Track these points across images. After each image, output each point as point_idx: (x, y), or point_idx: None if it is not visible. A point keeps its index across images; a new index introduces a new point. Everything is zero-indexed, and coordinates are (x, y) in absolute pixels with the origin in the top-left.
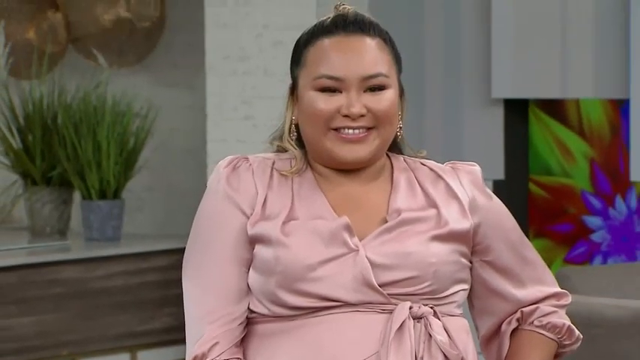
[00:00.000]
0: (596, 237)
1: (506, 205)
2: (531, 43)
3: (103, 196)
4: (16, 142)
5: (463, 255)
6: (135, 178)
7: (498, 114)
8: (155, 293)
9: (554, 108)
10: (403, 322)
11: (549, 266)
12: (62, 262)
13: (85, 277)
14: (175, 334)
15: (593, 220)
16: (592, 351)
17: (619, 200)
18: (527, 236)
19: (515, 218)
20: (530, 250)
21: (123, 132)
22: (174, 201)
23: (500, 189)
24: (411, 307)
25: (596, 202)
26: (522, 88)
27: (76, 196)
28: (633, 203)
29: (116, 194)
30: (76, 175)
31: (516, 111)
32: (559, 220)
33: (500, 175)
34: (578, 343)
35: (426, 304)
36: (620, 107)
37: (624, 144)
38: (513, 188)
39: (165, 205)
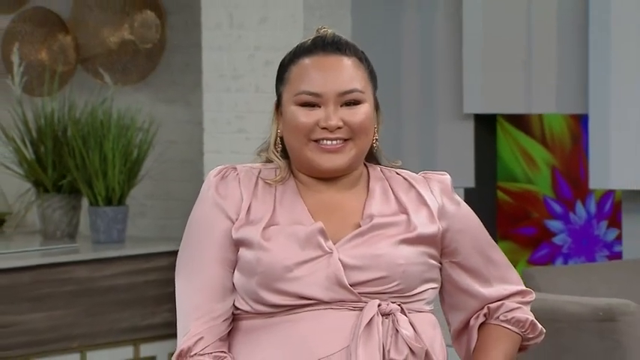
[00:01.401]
0: (557, 240)
1: (475, 211)
2: (499, 64)
3: (108, 202)
4: (29, 153)
5: (431, 257)
6: (138, 186)
7: (469, 128)
8: (156, 291)
9: (520, 120)
10: (372, 318)
11: (514, 267)
12: (71, 263)
13: (93, 276)
14: (174, 329)
15: (555, 224)
16: (556, 344)
17: (579, 205)
18: (495, 239)
19: (484, 222)
20: (496, 251)
21: (127, 144)
22: (173, 207)
23: (471, 196)
24: (379, 305)
25: (557, 207)
26: (491, 105)
27: (84, 202)
28: (592, 208)
29: (121, 201)
30: (84, 183)
31: (485, 125)
32: (523, 223)
33: (471, 183)
34: (542, 337)
35: (395, 302)
36: (581, 118)
37: (584, 152)
38: (482, 195)
39: (165, 211)
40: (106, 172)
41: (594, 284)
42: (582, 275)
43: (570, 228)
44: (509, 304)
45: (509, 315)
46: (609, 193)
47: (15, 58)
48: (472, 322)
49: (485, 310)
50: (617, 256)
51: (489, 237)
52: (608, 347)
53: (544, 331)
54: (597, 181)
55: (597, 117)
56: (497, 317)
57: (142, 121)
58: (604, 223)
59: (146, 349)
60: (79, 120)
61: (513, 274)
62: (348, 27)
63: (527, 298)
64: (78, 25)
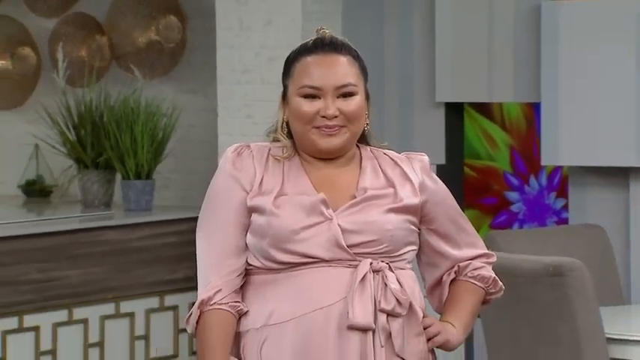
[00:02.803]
0: (514, 208)
1: (446, 184)
2: (465, 60)
3: (138, 176)
4: (71, 135)
5: (413, 224)
6: (163, 162)
7: (440, 114)
8: (178, 251)
9: (483, 107)
10: (365, 274)
11: (478, 231)
12: (106, 228)
13: (124, 238)
14: (193, 282)
15: (512, 195)
16: (514, 295)
17: (533, 179)
18: (462, 207)
19: (453, 193)
20: (465, 221)
21: (153, 127)
22: (192, 180)
23: (442, 171)
24: (371, 263)
25: (514, 181)
26: (459, 95)
27: (118, 176)
28: (543, 181)
29: (148, 175)
30: (117, 160)
31: (454, 112)
32: (486, 194)
33: (442, 160)
34: (502, 292)
35: (383, 261)
36: (534, 107)
37: (537, 134)
38: (452, 170)
39: (186, 184)
40: (136, 151)
41: (545, 245)
42: (535, 238)
43: (525, 198)
44: (476, 263)
45: (476, 272)
46: (558, 169)
47: (59, 56)
48: (445, 278)
49: (455, 269)
50: (564, 221)
51: (460, 209)
52: (557, 297)
53: (503, 287)
54: (548, 159)
55: (548, 104)
56: (466, 274)
57: (166, 109)
58: (553, 194)
59: (170, 300)
60: (113, 107)
61: (479, 240)
62: (339, 28)
63: (491, 260)
64: (112, 27)
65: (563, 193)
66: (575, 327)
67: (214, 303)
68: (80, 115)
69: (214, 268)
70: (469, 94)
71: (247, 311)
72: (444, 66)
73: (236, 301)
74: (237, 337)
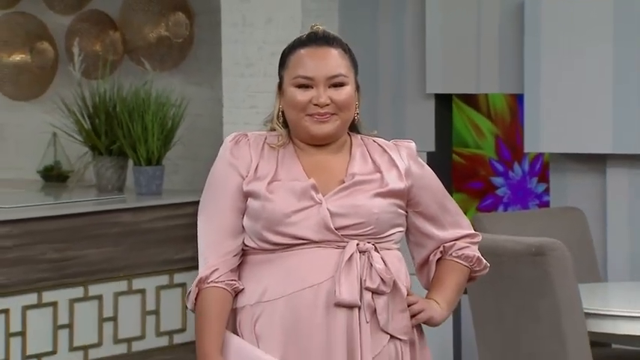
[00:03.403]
0: (500, 192)
1: (434, 170)
2: (454, 55)
3: (149, 162)
4: (86, 124)
5: (399, 207)
6: (172, 149)
7: (430, 105)
8: (186, 232)
9: (470, 99)
10: (352, 255)
11: (466, 213)
12: (119, 210)
13: (136, 220)
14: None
15: (497, 180)
16: (498, 273)
17: (516, 165)
18: (450, 192)
19: (442, 179)
20: (451, 202)
21: (163, 117)
22: (199, 166)
23: (432, 158)
24: (358, 244)
25: (499, 167)
26: (447, 86)
27: (130, 162)
28: (526, 167)
29: (158, 161)
30: (129, 147)
31: (443, 102)
32: (473, 179)
33: (432, 147)
34: (486, 270)
35: (370, 242)
36: (518, 98)
37: (520, 124)
38: (441, 157)
39: (193, 169)
40: (147, 139)
41: (528, 227)
42: (519, 220)
43: (509, 183)
44: (460, 243)
45: (460, 252)
46: (539, 156)
47: (75, 50)
48: (431, 257)
49: (441, 249)
50: (546, 204)
51: (446, 192)
52: (539, 275)
53: (488, 265)
54: (531, 146)
55: (531, 95)
56: (451, 254)
57: (175, 99)
58: (535, 179)
59: (178, 277)
60: (125, 98)
61: (464, 220)
62: (336, 25)
63: (475, 239)
64: (125, 23)
65: (544, 178)
66: (556, 302)
67: (211, 281)
68: (95, 105)
69: (212, 249)
70: (457, 86)
71: (243, 289)
72: (433, 60)
73: (232, 280)
74: (234, 313)
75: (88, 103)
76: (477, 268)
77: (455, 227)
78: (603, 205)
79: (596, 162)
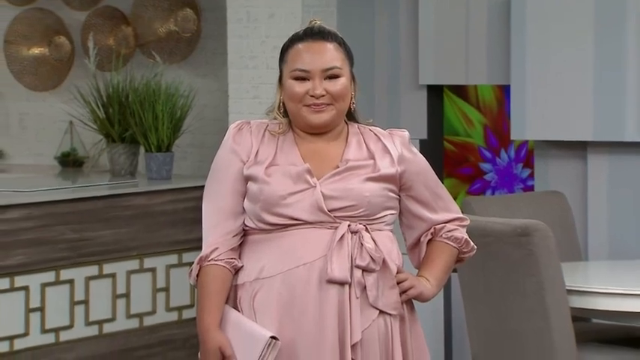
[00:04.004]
0: (488, 177)
1: (427, 156)
2: (445, 48)
3: (159, 149)
4: (101, 114)
5: (391, 191)
6: (180, 137)
7: (423, 95)
8: (193, 214)
9: (461, 91)
10: (343, 235)
11: (456, 197)
12: (132, 194)
13: (148, 203)
14: None
15: (485, 166)
16: (486, 253)
17: (503, 152)
18: (442, 177)
19: (434, 165)
20: (441, 188)
21: (172, 107)
22: (206, 153)
23: (425, 145)
24: (349, 225)
25: (487, 154)
26: (439, 78)
27: (141, 149)
28: (512, 154)
29: (168, 148)
30: (141, 135)
31: (435, 93)
32: (463, 165)
33: (425, 135)
34: (474, 252)
35: (361, 223)
36: (504, 90)
37: (507, 114)
38: (433, 144)
39: (200, 156)
40: (157, 127)
41: (514, 209)
42: (505, 203)
43: (497, 168)
44: (450, 226)
45: (450, 234)
46: (524, 143)
47: (90, 44)
48: (422, 239)
49: (432, 230)
50: (530, 188)
51: (437, 178)
52: (524, 255)
53: (475, 247)
54: (517, 134)
55: (517, 87)
56: (441, 235)
57: (184, 90)
58: (520, 165)
59: (187, 257)
60: (137, 89)
61: (454, 205)
62: (334, 21)
63: (464, 223)
64: (136, 19)
65: (528, 164)
66: (540, 280)
67: (211, 259)
68: (108, 95)
69: (214, 229)
70: (448, 78)
71: (242, 266)
72: (426, 53)
73: (231, 258)
74: (235, 289)
75: (103, 93)
76: (465, 250)
77: (445, 211)
78: (584, 189)
79: (578, 149)
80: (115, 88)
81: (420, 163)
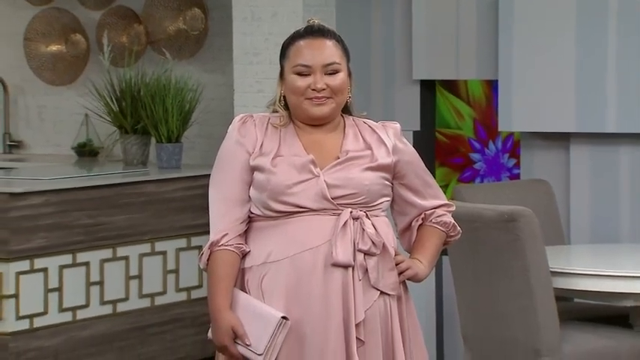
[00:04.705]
0: (477, 166)
1: (420, 146)
2: (437, 45)
3: (169, 140)
4: (114, 107)
5: (386, 179)
6: (189, 129)
7: (416, 89)
8: (201, 201)
9: (452, 88)
10: (346, 221)
11: (448, 184)
12: (144, 182)
13: (159, 191)
14: None
15: (475, 156)
16: (474, 237)
17: (491, 144)
18: (434, 165)
19: (426, 155)
20: (429, 176)
21: (181, 100)
22: (213, 144)
23: (418, 136)
24: (351, 212)
25: (477, 145)
26: (431, 73)
27: (153, 140)
28: (499, 146)
29: (177, 139)
30: (152, 127)
31: (428, 87)
32: (454, 155)
33: (418, 127)
34: (459, 236)
35: (362, 210)
36: (492, 86)
37: (495, 108)
38: (425, 135)
39: (208, 146)
40: (167, 119)
41: (501, 196)
42: (493, 190)
43: (485, 158)
44: (439, 212)
45: (439, 219)
46: (510, 135)
47: (104, 41)
48: (413, 223)
49: (422, 216)
50: (516, 177)
51: (426, 168)
52: (510, 239)
53: (461, 231)
54: (504, 125)
55: (504, 81)
56: (430, 220)
57: (192, 85)
58: (507, 155)
59: (195, 241)
60: (148, 84)
61: (441, 192)
62: (334, 19)
63: (451, 209)
64: (148, 18)
65: (514, 154)
66: (525, 263)
67: (222, 244)
68: (122, 90)
69: (223, 217)
70: (440, 73)
71: (249, 251)
72: (419, 50)
73: (239, 243)
74: (242, 272)
75: (116, 88)
76: (452, 233)
77: (434, 197)
78: (567, 178)
79: (561, 139)
80: (127, 82)
81: (411, 153)
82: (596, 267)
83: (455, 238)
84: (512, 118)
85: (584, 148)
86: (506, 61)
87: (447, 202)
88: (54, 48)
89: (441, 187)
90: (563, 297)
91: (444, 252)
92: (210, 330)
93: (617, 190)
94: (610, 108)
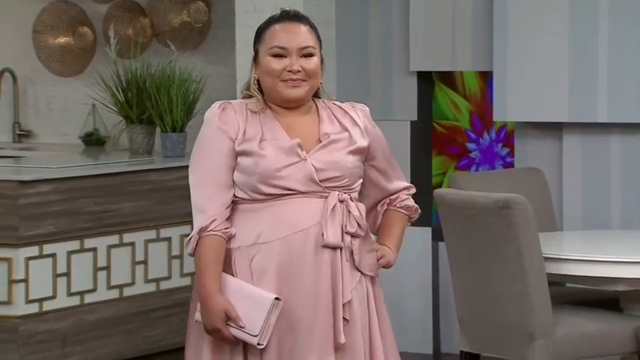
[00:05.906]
0: (472, 155)
1: (417, 137)
2: (434, 37)
3: (174, 130)
4: (121, 97)
5: (361, 161)
6: (193, 119)
7: (414, 81)
8: None
9: (450, 82)
10: (335, 204)
11: (446, 172)
12: (149, 170)
13: (163, 179)
14: None
15: (471, 145)
16: (471, 224)
17: (485, 134)
18: (431, 154)
19: (423, 143)
20: (393, 158)
21: (185, 91)
22: None
23: (415, 126)
24: (338, 194)
25: (472, 135)
26: (428, 65)
27: (158, 130)
28: (493, 136)
29: (182, 129)
30: (157, 117)
31: (424, 78)
32: (451, 145)
33: (415, 117)
34: (418, 215)
35: (346, 193)
36: (487, 80)
37: (489, 101)
38: (422, 125)
39: None
40: (172, 110)
41: (496, 184)
42: (488, 178)
43: (480, 148)
44: (402, 195)
45: (403, 203)
46: (504, 126)
47: (111, 34)
48: (379, 207)
49: (387, 200)
50: (510, 165)
51: (390, 151)
52: (505, 226)
53: (420, 210)
54: (498, 115)
55: (498, 73)
56: (395, 205)
57: (196, 76)
58: (500, 145)
59: None
60: (153, 75)
61: (403, 175)
62: (333, 12)
63: (411, 191)
64: (153, 11)
65: (507, 144)
66: (519, 249)
67: (210, 230)
68: (127, 81)
69: (210, 202)
70: (436, 64)
71: (235, 233)
72: (416, 42)
73: (227, 228)
74: (229, 252)
75: (122, 79)
76: (413, 216)
77: (398, 179)
78: (559, 166)
79: (554, 129)
80: (133, 74)
81: (380, 134)
82: (588, 253)
83: (414, 219)
84: (507, 109)
85: (576, 137)
86: (501, 53)
87: (408, 184)
88: (62, 40)
89: (439, 174)
90: (556, 282)
91: (441, 238)
92: (197, 313)
93: (607, 178)
94: (601, 99)
